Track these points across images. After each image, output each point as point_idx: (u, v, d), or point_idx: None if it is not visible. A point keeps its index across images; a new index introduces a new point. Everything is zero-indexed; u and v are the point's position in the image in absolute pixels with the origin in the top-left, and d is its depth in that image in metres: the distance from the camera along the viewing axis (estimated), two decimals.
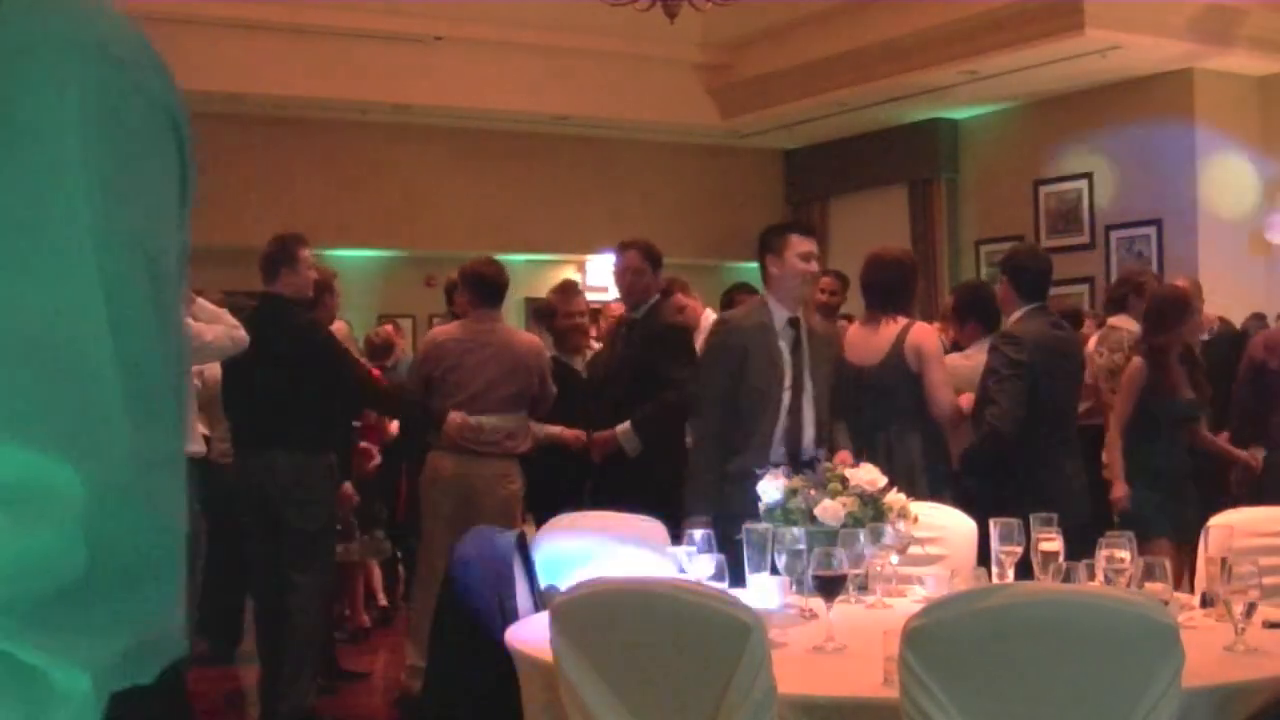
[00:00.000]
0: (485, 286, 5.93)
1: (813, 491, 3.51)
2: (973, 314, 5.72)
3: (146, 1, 9.28)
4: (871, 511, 3.44)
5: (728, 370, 4.56)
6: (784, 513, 3.50)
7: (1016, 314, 5.14)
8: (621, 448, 5.59)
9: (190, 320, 5.18)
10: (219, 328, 5.21)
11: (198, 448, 5.24)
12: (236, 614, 7.09)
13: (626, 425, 5.54)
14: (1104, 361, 6.28)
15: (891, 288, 5.07)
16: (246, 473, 5.57)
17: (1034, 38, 9.12)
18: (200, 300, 5.35)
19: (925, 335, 5.03)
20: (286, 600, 5.62)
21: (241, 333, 5.24)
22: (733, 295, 6.51)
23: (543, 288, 12.23)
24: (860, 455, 4.40)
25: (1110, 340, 6.32)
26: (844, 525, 3.33)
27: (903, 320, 5.01)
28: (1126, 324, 6.35)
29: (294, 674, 5.56)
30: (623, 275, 5.77)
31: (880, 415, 4.92)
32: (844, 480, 3.52)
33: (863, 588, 3.36)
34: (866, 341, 5.04)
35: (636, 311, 5.76)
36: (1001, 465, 4.99)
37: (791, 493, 3.53)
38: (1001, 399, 4.90)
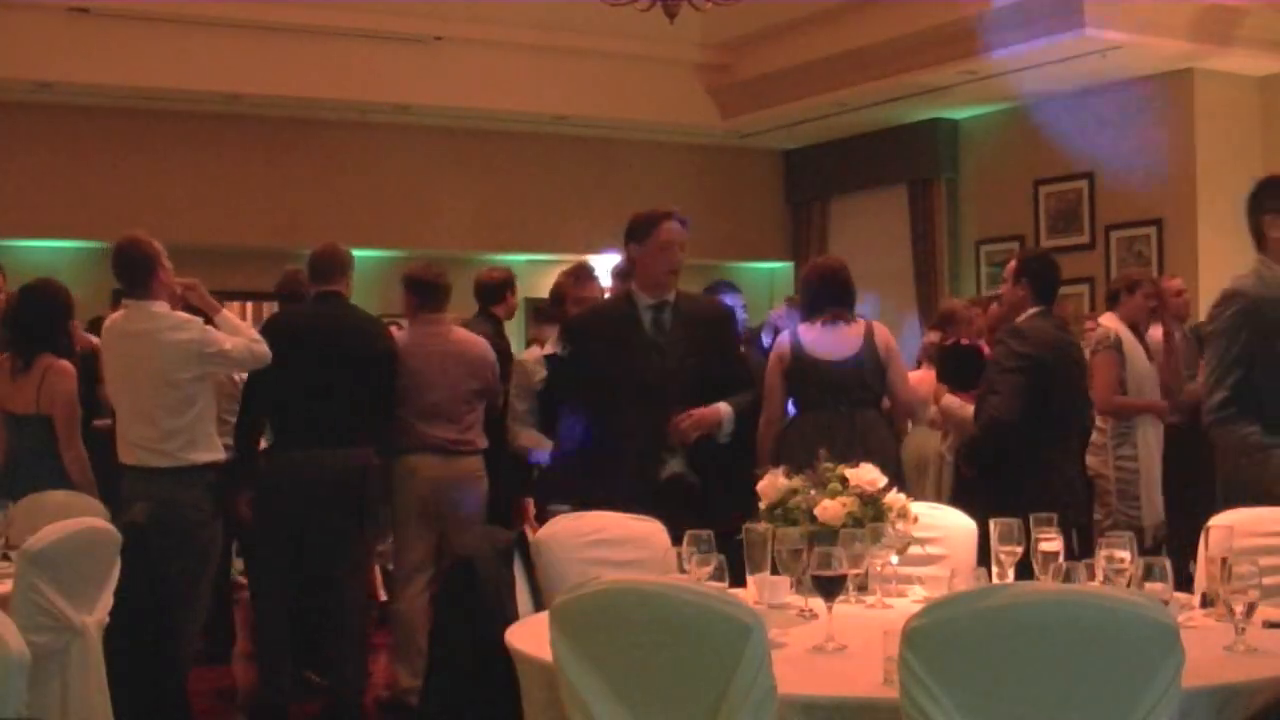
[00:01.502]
0: (430, 290, 6.06)
1: (813, 491, 3.52)
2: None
3: (147, 2, 9.32)
4: (871, 511, 3.45)
5: (1255, 342, 4.09)
6: (784, 513, 3.50)
7: (1025, 315, 5.27)
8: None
9: (211, 329, 5.23)
10: (239, 339, 5.27)
11: (219, 455, 5.33)
12: (228, 613, 7.13)
13: (728, 406, 4.77)
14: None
15: (847, 291, 5.54)
16: (298, 467, 5.61)
17: (1034, 38, 9.12)
18: (224, 313, 5.40)
19: (888, 333, 5.58)
20: (318, 596, 5.72)
21: (263, 347, 5.31)
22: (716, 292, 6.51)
23: (543, 288, 12.20)
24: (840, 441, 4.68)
25: (1093, 338, 6.39)
26: (844, 525, 3.34)
27: (860, 320, 5.50)
28: (1110, 323, 6.37)
29: (346, 666, 5.76)
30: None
31: (853, 403, 5.29)
32: (844, 480, 3.53)
33: (863, 588, 3.36)
34: (831, 339, 5.42)
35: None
36: (1000, 460, 5.06)
37: (791, 493, 3.54)
38: (1003, 389, 5.07)
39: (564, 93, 10.82)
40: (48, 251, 10.02)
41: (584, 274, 5.99)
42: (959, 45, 9.55)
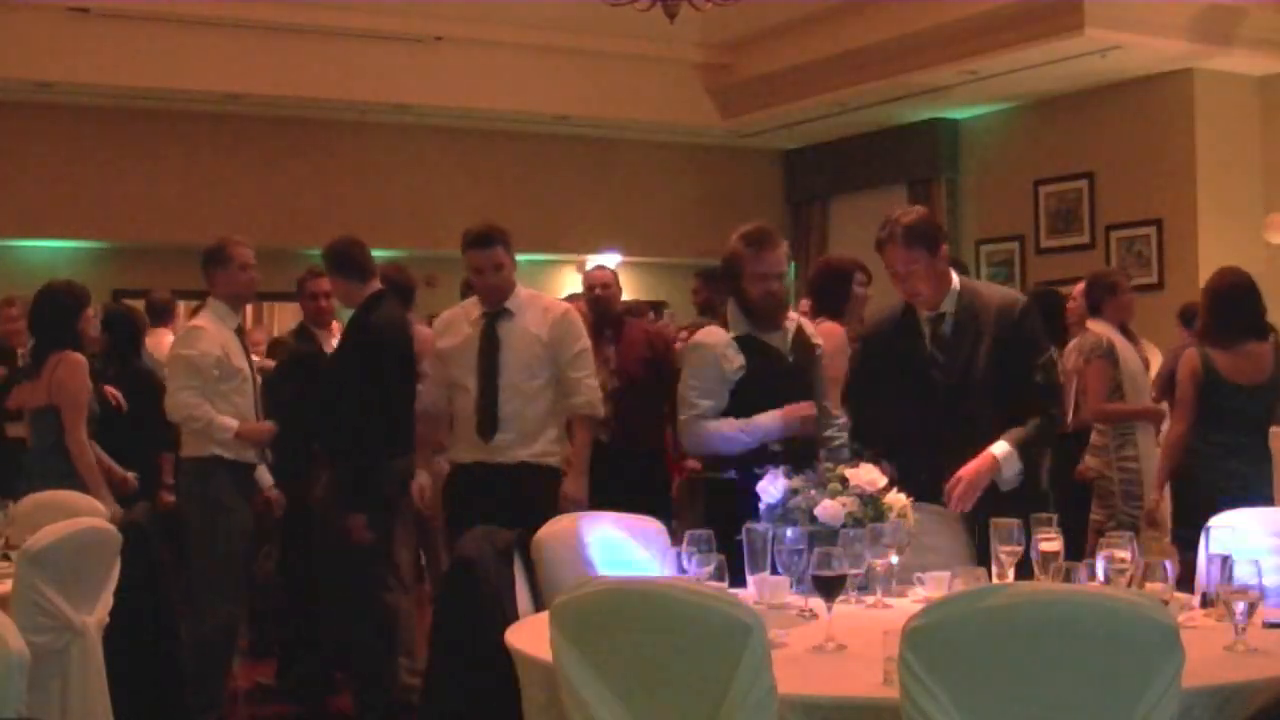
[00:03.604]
0: (412, 293, 6.38)
1: (813, 491, 3.52)
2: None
3: (147, 2, 9.32)
4: (871, 511, 3.45)
5: None
6: (784, 513, 3.50)
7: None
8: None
9: (193, 341, 5.51)
10: (203, 408, 5.48)
11: (250, 456, 5.55)
12: None
13: (1006, 444, 3.99)
14: (1071, 366, 6.26)
15: (818, 290, 5.73)
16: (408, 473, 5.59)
17: (1034, 38, 9.12)
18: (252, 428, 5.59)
19: (827, 329, 5.38)
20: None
21: (178, 413, 5.53)
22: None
23: (542, 288, 12.26)
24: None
25: (1084, 345, 6.29)
26: (844, 525, 3.34)
27: (822, 320, 5.52)
28: (1102, 329, 6.31)
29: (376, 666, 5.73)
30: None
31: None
32: (844, 480, 3.53)
33: (863, 588, 3.36)
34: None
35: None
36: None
37: (792, 493, 3.54)
38: None
39: (564, 93, 10.82)
40: (48, 251, 10.03)
41: (765, 241, 4.69)
42: (959, 45, 9.55)
